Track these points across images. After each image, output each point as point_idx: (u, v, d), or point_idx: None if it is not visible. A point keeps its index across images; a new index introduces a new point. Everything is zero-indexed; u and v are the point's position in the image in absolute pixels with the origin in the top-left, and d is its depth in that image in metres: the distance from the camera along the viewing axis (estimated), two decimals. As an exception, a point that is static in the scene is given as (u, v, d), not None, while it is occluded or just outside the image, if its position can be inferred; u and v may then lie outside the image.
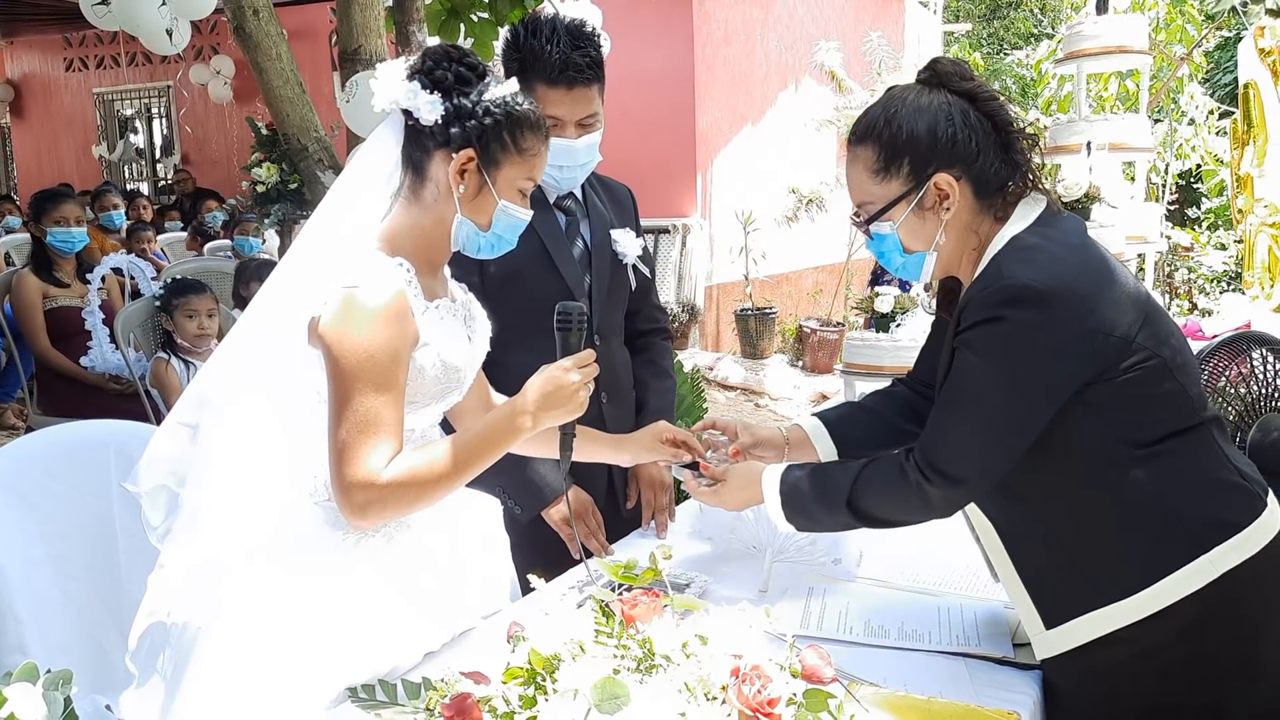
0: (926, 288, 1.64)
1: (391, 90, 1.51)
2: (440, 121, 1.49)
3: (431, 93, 1.49)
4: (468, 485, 1.61)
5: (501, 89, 1.53)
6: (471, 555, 1.69)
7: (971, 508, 1.51)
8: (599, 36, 2.01)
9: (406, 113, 1.51)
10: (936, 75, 1.47)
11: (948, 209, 1.45)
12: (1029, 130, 1.46)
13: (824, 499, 1.52)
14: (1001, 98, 1.46)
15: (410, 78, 1.51)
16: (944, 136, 1.42)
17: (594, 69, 1.96)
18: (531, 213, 1.60)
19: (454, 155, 1.50)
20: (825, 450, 1.73)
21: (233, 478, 1.47)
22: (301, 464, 1.50)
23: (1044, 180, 1.48)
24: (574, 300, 2.04)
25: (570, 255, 2.10)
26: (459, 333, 1.60)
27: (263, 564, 1.45)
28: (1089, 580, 1.41)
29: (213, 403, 1.50)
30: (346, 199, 1.54)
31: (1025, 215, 1.45)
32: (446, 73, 1.50)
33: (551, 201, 2.11)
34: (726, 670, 1.06)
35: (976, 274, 1.45)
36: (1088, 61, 6.60)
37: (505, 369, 1.79)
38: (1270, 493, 1.44)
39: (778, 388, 7.84)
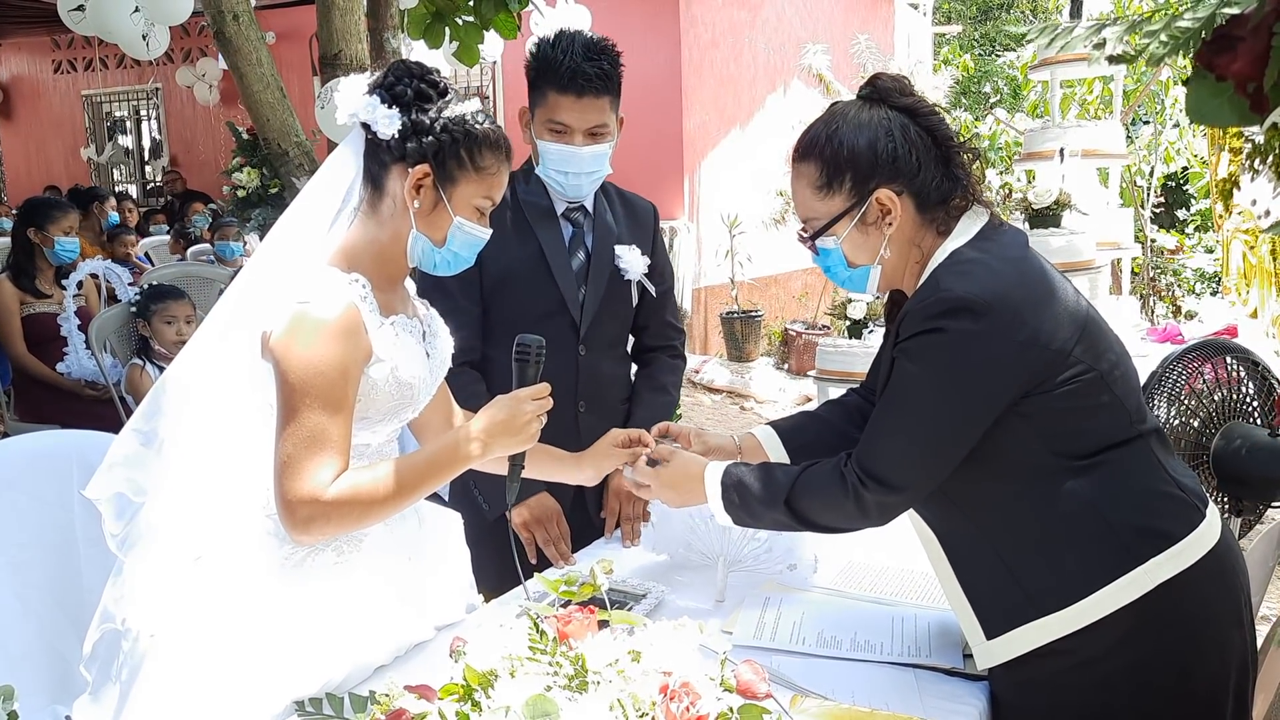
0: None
1: (352, 103, 1.53)
2: (397, 136, 1.51)
3: (390, 107, 1.51)
4: (433, 495, 1.63)
5: (462, 107, 1.54)
6: (429, 568, 1.70)
7: (915, 517, 1.52)
8: (618, 54, 2.06)
9: (366, 127, 1.52)
10: (876, 91, 1.48)
11: (890, 223, 1.46)
12: (969, 145, 1.47)
13: (764, 495, 1.53)
14: (941, 112, 1.47)
15: (371, 92, 1.52)
16: (884, 152, 1.43)
17: (604, 80, 2.01)
18: (490, 231, 1.60)
19: (410, 170, 1.51)
20: (778, 458, 1.74)
21: (188, 488, 1.48)
22: (254, 477, 1.50)
23: (984, 193, 1.49)
24: (564, 310, 2.12)
25: (568, 266, 2.14)
26: (416, 349, 1.60)
27: (213, 574, 1.45)
28: (1027, 591, 1.42)
29: (169, 413, 1.51)
30: (306, 213, 1.54)
31: (967, 229, 1.46)
32: (406, 88, 1.52)
33: (560, 212, 2.15)
34: (656, 687, 1.06)
35: (917, 287, 1.46)
36: (1061, 68, 6.61)
37: (491, 363, 2.08)
38: (1209, 505, 1.45)
39: (763, 391, 7.85)
